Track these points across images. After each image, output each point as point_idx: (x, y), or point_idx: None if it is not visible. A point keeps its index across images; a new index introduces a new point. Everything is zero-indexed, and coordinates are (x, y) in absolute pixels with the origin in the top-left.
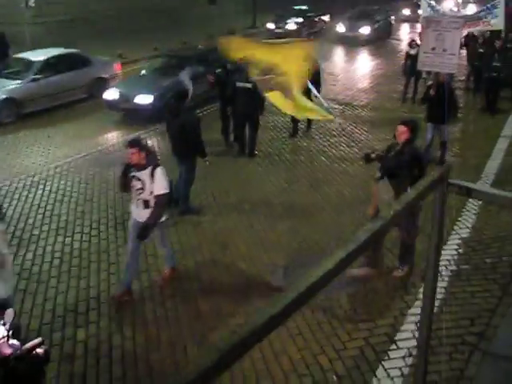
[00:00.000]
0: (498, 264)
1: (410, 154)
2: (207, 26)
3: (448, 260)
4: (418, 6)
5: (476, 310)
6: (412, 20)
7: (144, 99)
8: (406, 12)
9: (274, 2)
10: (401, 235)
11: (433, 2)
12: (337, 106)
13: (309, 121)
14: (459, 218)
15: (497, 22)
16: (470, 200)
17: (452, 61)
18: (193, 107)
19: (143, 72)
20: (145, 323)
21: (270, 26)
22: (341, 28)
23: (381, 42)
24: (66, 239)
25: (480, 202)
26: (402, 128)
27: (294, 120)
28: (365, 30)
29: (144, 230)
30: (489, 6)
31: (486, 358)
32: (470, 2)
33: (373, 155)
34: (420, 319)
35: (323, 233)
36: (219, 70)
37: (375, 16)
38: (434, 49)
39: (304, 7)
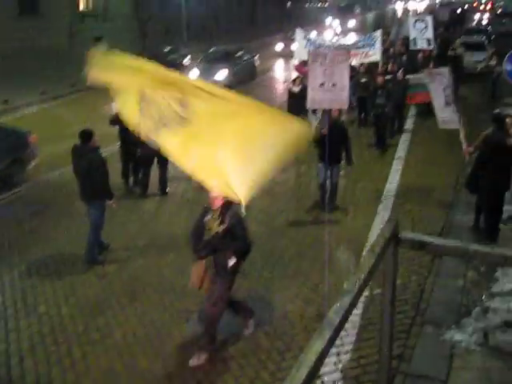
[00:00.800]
0: (408, 284)
1: (236, 221)
2: None
3: None
4: (293, 41)
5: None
6: (286, 55)
7: None
8: (279, 47)
9: (162, 39)
10: (206, 306)
11: (310, 35)
12: None
13: None
14: (366, 244)
15: (374, 53)
16: (374, 225)
17: (342, 96)
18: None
19: None
20: None
21: None
22: (194, 73)
23: (243, 86)
24: None
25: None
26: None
27: None
28: (221, 74)
29: None
30: (367, 36)
31: (407, 379)
32: (350, 31)
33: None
34: (378, 370)
35: None
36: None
37: (235, 57)
38: (322, 84)
39: (168, 48)
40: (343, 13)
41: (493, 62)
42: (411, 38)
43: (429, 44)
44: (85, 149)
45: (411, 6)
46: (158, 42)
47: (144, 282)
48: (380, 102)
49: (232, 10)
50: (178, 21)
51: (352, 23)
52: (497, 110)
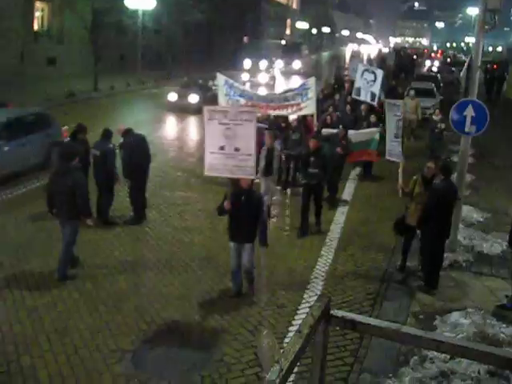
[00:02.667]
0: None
1: None
2: (46, 87)
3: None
4: (201, 88)
5: (329, 381)
6: (185, 109)
7: None
8: (173, 97)
9: (115, 66)
10: None
11: (231, 81)
12: (180, 174)
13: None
14: (308, 286)
15: (307, 105)
16: (317, 266)
17: (248, 162)
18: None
19: None
20: None
21: None
22: None
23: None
24: None
25: (327, 268)
26: None
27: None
28: None
29: None
30: (299, 86)
31: None
32: (295, 74)
33: None
34: None
35: (173, 310)
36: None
37: None
38: (222, 148)
39: None
40: (289, 53)
41: (437, 117)
42: (356, 86)
43: (372, 98)
44: (68, 168)
45: (364, 49)
46: (113, 68)
47: (76, 318)
48: (313, 171)
49: (189, 40)
50: (134, 47)
51: (297, 65)
52: (443, 156)
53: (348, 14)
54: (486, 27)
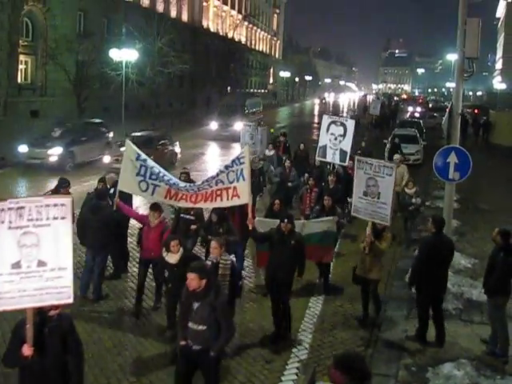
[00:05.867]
0: None
1: None
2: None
3: None
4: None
5: None
6: None
7: None
8: None
9: (99, 117)
10: None
11: (144, 155)
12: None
13: None
14: (296, 339)
15: (244, 190)
16: (305, 319)
17: (61, 281)
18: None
19: None
20: None
21: None
22: None
23: None
24: None
25: (315, 320)
26: None
27: None
28: None
29: None
30: (231, 161)
31: None
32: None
33: None
34: None
35: (157, 370)
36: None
37: None
38: (17, 265)
39: None
40: (228, 111)
41: (410, 191)
42: (320, 144)
43: (343, 159)
44: (100, 206)
45: (344, 97)
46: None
47: None
48: (196, 329)
49: (172, 90)
50: (117, 99)
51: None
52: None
53: (331, 63)
54: (465, 75)
